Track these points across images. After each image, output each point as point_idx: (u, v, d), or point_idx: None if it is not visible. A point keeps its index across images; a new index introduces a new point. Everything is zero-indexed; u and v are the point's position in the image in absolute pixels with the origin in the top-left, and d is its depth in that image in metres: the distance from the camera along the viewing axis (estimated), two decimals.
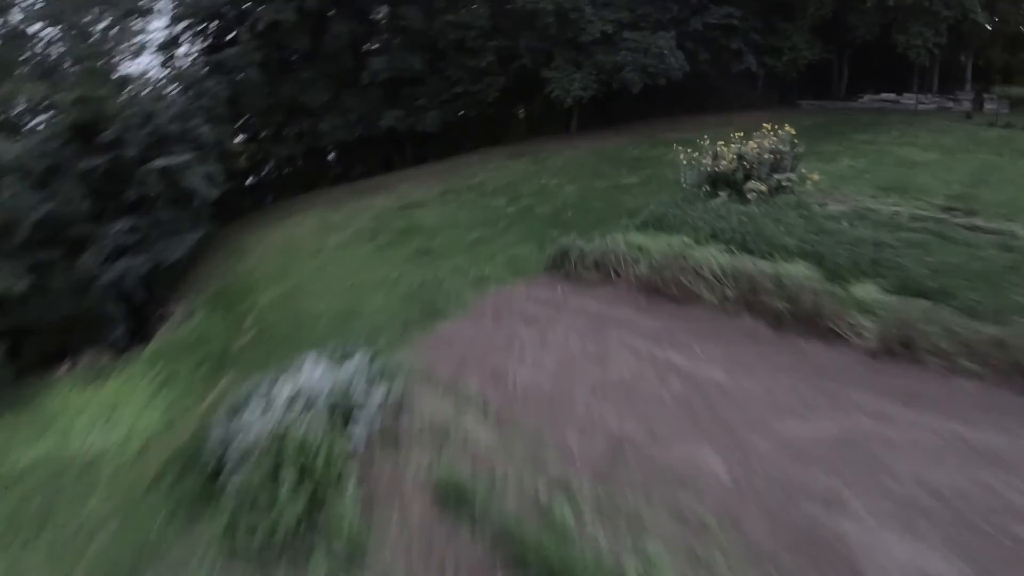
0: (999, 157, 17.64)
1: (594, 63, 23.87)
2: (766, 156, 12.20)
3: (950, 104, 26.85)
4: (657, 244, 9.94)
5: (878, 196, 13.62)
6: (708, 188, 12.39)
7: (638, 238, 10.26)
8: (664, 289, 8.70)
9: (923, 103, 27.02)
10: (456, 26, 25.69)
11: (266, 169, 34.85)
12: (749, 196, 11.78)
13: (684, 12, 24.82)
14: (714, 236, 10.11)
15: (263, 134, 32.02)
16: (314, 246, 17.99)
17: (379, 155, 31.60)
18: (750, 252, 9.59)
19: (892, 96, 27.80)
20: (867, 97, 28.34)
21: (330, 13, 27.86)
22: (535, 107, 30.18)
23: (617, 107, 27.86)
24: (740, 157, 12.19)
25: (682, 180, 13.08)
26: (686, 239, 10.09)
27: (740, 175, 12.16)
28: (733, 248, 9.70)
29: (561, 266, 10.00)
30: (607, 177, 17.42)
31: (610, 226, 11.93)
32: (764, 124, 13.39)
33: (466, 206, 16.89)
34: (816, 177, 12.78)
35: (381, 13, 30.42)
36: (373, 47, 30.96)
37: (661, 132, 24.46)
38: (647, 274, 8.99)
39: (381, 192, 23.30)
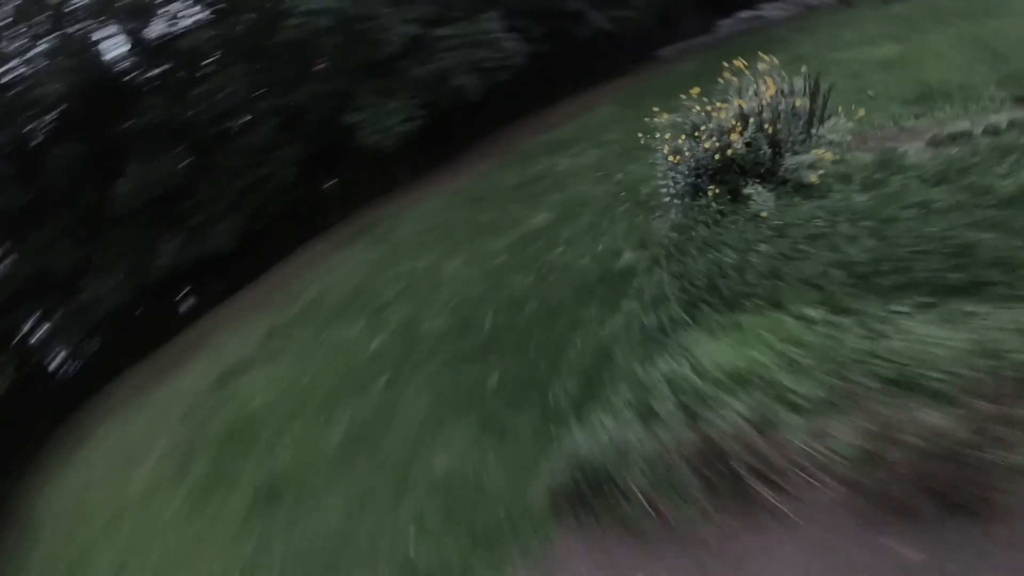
0: (961, 27, 14.04)
1: (410, 81, 18.42)
2: (797, 104, 7.22)
3: (813, 1, 24.01)
4: (795, 350, 4.53)
5: (926, 114, 9.26)
6: (715, 189, 7.16)
7: (721, 350, 4.81)
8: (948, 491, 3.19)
9: (786, 8, 24.08)
10: (209, 99, 19.18)
11: (56, 369, 26.56)
12: (811, 179, 6.73)
13: None
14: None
15: (19, 332, 23.92)
16: (111, 504, 11.29)
17: (179, 301, 24.35)
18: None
19: (751, 13, 24.72)
20: (724, 24, 25.11)
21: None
22: (352, 168, 23.98)
23: (454, 129, 22.56)
24: (750, 120, 7.09)
25: (665, 186, 7.78)
26: (836, 319, 4.75)
27: (766, 151, 7.02)
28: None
29: (593, 500, 4.25)
30: (499, 228, 11.92)
31: (594, 325, 6.47)
32: (737, 63, 8.44)
33: (309, 354, 10.73)
34: (862, 112, 8.07)
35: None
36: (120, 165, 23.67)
37: (524, 140, 19.47)
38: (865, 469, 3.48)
39: (189, 356, 16.65)
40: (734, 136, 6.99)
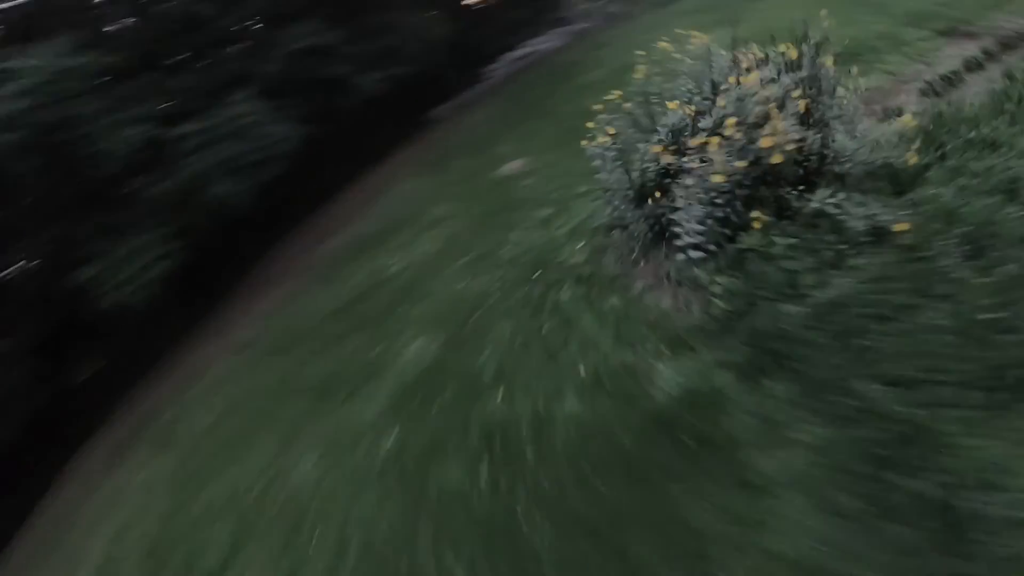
0: None
1: (152, 204, 13.73)
2: (829, 65, 4.79)
3: (578, 27, 23.37)
4: None
5: (871, 71, 7.62)
6: (761, 216, 4.39)
7: None
8: None
9: (553, 38, 23.21)
10: None
11: None
12: (909, 159, 4.27)
13: (249, 57, 16.12)
14: None
15: None
16: None
17: None
18: None
19: (521, 52, 23.50)
20: (495, 70, 23.53)
21: None
22: (102, 344, 17.62)
23: (226, 254, 17.92)
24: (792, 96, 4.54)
25: (681, 231, 4.81)
26: None
27: (813, 138, 4.44)
28: None
29: None
30: (350, 385, 7.16)
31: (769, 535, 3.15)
32: (663, 45, 6.02)
33: None
34: (855, 69, 6.02)
35: None
36: None
37: (323, 245, 15.46)
38: None
39: None
40: (777, 124, 4.24)
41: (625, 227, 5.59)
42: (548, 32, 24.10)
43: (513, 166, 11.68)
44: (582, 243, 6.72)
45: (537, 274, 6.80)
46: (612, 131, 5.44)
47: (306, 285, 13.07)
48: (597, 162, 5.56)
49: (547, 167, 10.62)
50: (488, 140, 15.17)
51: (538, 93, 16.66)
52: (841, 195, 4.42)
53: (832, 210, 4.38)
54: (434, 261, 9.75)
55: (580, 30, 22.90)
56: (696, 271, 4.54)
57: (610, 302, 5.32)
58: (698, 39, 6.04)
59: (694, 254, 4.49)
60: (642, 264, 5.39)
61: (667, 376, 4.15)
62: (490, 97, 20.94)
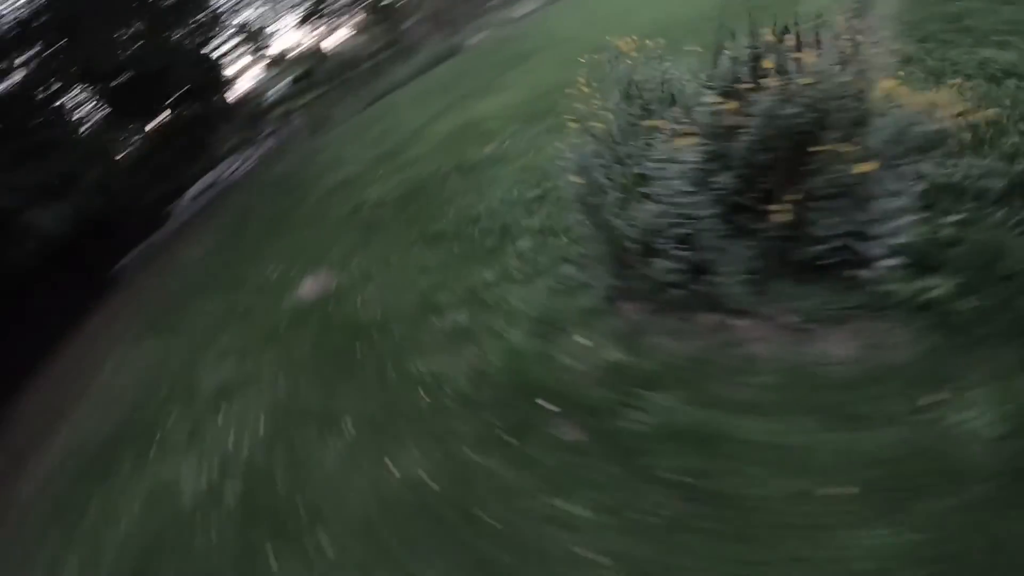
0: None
1: None
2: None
3: (265, 149, 21.50)
4: None
5: None
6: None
7: None
8: None
9: (239, 163, 20.92)
10: None
11: None
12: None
13: None
14: None
15: None
16: None
17: None
18: None
19: (201, 186, 20.59)
20: (180, 208, 20.20)
21: None
22: None
23: None
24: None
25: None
26: None
27: None
28: None
29: None
30: None
31: None
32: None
33: None
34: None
35: None
36: None
37: (5, 486, 10.24)
38: None
39: None
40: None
41: (690, 278, 4.18)
42: (232, 157, 21.82)
43: (314, 286, 9.30)
44: (582, 336, 4.67)
45: (545, 403, 4.18)
46: (691, 131, 4.12)
47: (31, 549, 6.71)
48: (693, 162, 4.10)
49: (379, 272, 8.25)
50: (239, 270, 12.28)
51: (276, 208, 14.41)
52: (951, 163, 3.94)
53: (944, 180, 3.89)
54: (277, 452, 5.48)
55: (270, 149, 21.15)
56: (889, 287, 3.49)
57: (754, 383, 3.56)
58: (626, 45, 5.19)
59: (889, 263, 3.46)
60: (738, 322, 4.05)
61: (981, 427, 2.93)
62: (197, 231, 17.69)
